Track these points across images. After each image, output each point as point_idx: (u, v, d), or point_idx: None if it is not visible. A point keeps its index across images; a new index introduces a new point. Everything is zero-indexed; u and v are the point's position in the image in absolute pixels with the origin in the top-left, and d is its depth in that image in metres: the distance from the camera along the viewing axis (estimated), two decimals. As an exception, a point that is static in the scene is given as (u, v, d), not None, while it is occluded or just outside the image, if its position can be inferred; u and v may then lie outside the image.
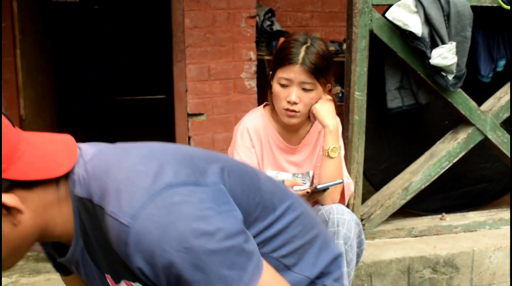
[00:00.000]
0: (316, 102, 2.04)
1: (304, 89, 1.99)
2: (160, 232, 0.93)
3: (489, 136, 2.73)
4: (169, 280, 0.96)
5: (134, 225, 0.94)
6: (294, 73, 1.96)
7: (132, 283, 1.09)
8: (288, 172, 2.15)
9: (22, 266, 2.42)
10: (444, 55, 2.45)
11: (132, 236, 0.94)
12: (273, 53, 2.15)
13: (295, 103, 1.99)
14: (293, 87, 1.98)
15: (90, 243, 1.08)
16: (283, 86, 1.99)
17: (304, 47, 1.97)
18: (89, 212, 1.02)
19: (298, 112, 2.01)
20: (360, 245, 2.00)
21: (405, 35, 2.47)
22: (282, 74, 1.99)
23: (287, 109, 2.00)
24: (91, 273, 1.15)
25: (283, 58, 1.99)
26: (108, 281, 1.13)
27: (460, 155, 2.72)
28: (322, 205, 2.01)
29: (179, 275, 0.94)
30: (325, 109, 2.06)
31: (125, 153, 1.07)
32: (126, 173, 1.01)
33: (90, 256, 1.11)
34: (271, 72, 2.08)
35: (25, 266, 2.42)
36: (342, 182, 1.86)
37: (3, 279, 2.30)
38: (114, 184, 0.99)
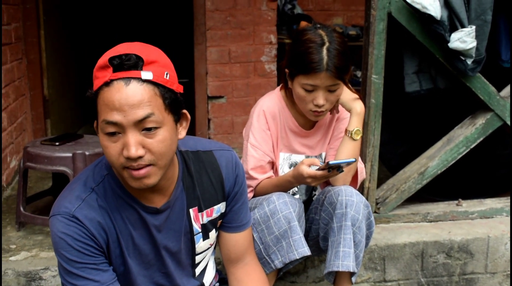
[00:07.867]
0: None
1: (330, 91, 1.95)
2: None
3: (508, 122, 2.70)
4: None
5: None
6: (320, 79, 1.91)
7: (215, 207, 1.56)
8: (301, 155, 2.16)
9: (42, 241, 2.50)
10: (463, 39, 2.42)
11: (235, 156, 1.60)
12: (289, 52, 2.04)
13: (322, 105, 1.97)
14: (320, 91, 1.94)
15: (188, 184, 1.51)
16: (308, 91, 1.95)
17: (324, 50, 1.90)
18: (197, 158, 1.54)
19: (325, 110, 1.99)
20: (369, 227, 2.01)
21: (423, 18, 2.44)
22: (307, 80, 1.92)
23: (315, 111, 1.98)
24: (172, 223, 1.50)
25: (306, 66, 1.91)
26: (192, 213, 1.54)
27: (478, 141, 2.69)
28: (332, 186, 2.03)
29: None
30: (346, 94, 2.06)
31: None
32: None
33: (186, 194, 1.51)
34: (287, 70, 2.02)
35: (45, 241, 2.49)
36: (355, 161, 1.85)
37: (24, 252, 2.39)
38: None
